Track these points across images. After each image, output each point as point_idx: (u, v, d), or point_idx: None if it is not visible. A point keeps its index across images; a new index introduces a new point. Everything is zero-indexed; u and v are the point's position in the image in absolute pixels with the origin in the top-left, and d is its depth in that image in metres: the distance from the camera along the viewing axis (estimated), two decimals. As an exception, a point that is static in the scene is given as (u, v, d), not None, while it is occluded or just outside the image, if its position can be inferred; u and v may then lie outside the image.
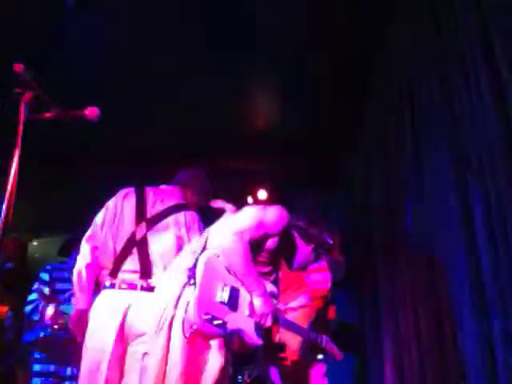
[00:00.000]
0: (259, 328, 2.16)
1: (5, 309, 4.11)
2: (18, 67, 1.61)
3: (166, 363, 1.99)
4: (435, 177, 2.69)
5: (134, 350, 2.29)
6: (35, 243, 6.38)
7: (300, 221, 2.46)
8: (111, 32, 3.55)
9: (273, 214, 2.27)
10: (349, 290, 4.78)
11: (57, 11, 3.27)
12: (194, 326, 1.98)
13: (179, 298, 2.06)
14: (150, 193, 2.67)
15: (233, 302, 2.10)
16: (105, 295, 2.42)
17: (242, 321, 2.11)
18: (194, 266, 2.09)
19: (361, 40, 3.50)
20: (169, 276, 2.22)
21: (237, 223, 2.20)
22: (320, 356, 3.08)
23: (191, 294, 2.03)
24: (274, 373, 3.13)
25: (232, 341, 2.17)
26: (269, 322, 2.17)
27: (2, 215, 1.52)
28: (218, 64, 3.84)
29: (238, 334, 2.11)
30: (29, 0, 3.25)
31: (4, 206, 1.54)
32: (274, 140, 4.75)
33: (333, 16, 3.38)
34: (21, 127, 1.63)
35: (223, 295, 2.07)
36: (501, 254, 1.95)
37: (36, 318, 3.63)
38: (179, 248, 2.48)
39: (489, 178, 2.07)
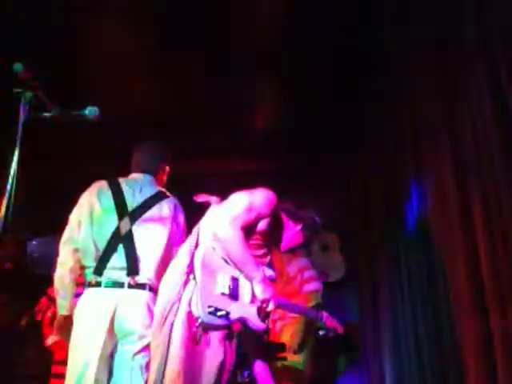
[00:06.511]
0: (261, 313, 2.21)
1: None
2: (17, 67, 1.61)
3: (166, 360, 2.00)
4: (435, 177, 2.69)
5: (125, 349, 2.27)
6: (35, 243, 6.37)
7: (287, 203, 2.52)
8: (111, 32, 3.55)
9: (261, 197, 2.31)
10: (348, 290, 4.78)
11: (57, 10, 3.28)
12: (199, 320, 2.02)
13: (180, 296, 2.08)
14: (124, 184, 2.53)
15: (233, 292, 2.14)
16: (90, 294, 2.32)
17: (244, 309, 2.15)
18: (191, 262, 2.11)
19: (361, 40, 3.50)
20: (168, 276, 2.22)
21: (229, 212, 2.21)
22: (321, 332, 3.17)
23: (192, 290, 2.06)
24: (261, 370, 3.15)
25: (236, 329, 2.21)
26: (271, 307, 2.21)
27: (2, 215, 1.52)
28: (217, 64, 3.84)
29: (241, 321, 2.15)
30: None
31: (4, 206, 1.53)
32: (273, 140, 4.75)
33: (333, 16, 3.38)
34: (20, 127, 1.63)
35: (224, 286, 2.12)
36: (501, 254, 1.95)
37: None
38: (167, 239, 2.42)
39: (489, 178, 2.07)
